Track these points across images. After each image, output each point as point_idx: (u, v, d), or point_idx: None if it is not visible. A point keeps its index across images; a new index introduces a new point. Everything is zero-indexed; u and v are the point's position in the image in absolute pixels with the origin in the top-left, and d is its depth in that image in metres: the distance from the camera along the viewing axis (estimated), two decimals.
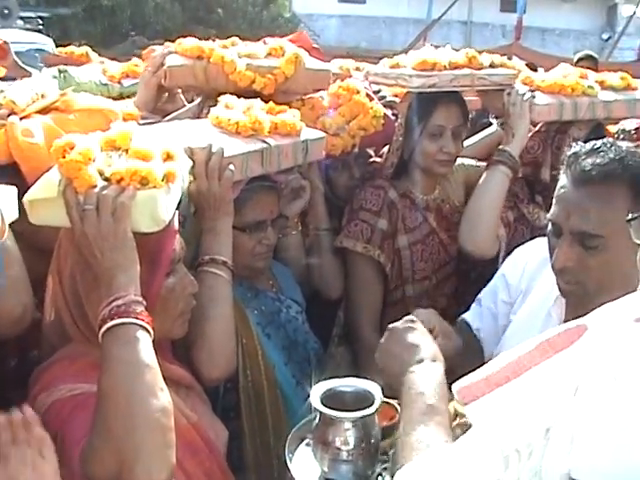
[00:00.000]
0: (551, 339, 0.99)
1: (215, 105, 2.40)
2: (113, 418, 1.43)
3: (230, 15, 21.18)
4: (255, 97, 2.47)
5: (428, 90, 2.73)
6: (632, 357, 0.86)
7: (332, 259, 2.86)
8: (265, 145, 2.19)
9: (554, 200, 1.85)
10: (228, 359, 2.07)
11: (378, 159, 3.12)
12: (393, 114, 3.02)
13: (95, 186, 1.56)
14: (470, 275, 3.00)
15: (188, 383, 1.90)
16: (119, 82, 3.30)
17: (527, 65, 3.70)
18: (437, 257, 2.99)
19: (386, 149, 3.06)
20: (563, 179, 1.83)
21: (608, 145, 1.80)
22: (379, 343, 1.74)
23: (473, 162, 3.22)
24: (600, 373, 0.86)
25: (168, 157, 1.71)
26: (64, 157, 1.56)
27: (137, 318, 1.50)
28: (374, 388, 1.68)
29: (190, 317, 1.96)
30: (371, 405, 1.63)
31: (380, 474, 1.71)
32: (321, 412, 1.62)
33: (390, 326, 1.78)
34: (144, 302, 1.54)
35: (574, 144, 1.90)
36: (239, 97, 2.42)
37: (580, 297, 1.81)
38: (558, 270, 1.82)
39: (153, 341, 1.54)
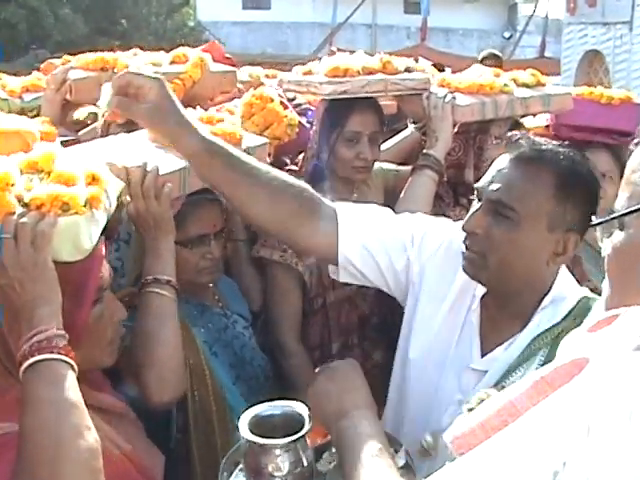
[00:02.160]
0: (547, 376, 0.93)
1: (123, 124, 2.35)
2: (37, 462, 1.34)
3: (134, 26, 20.96)
4: None
5: (340, 97, 2.70)
6: None
7: (251, 270, 2.83)
8: None
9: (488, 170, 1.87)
10: (178, 381, 2.02)
11: (294, 167, 3.08)
12: (308, 121, 2.98)
13: (13, 213, 1.47)
14: None
15: (120, 411, 1.82)
16: (20, 97, 3.17)
17: (434, 65, 3.71)
18: None
19: (301, 157, 3.02)
20: (501, 155, 1.85)
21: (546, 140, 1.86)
22: (314, 381, 1.69)
23: (392, 166, 3.22)
24: (613, 411, 0.81)
25: (93, 180, 1.61)
26: None
27: (60, 353, 1.42)
28: (303, 409, 1.62)
29: (136, 340, 1.93)
30: (301, 428, 1.57)
31: None
32: (249, 440, 1.55)
33: (325, 366, 1.74)
34: (67, 336, 1.46)
35: (496, 142, 1.92)
36: None
37: (480, 272, 1.81)
38: (466, 232, 1.82)
39: (80, 370, 1.47)
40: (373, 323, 2.95)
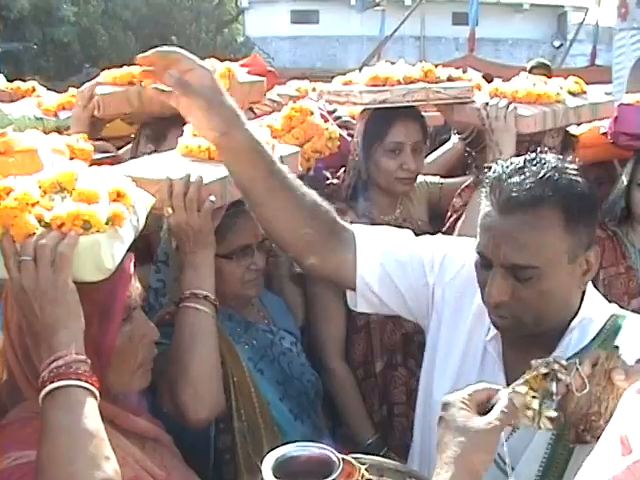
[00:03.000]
0: (619, 476, 0.85)
1: (151, 135, 2.39)
2: None
3: (184, 42, 21.17)
4: None
5: (380, 105, 2.67)
6: None
7: (292, 287, 2.79)
8: None
9: (479, 229, 1.70)
10: (214, 398, 1.99)
11: (335, 181, 3.04)
12: (349, 134, 2.94)
13: (33, 234, 1.44)
14: None
15: (154, 436, 1.77)
16: (55, 115, 3.17)
17: (483, 76, 3.65)
18: None
19: (342, 170, 2.98)
20: (486, 206, 1.67)
21: (533, 163, 1.65)
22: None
23: (436, 179, 3.16)
24: None
25: (118, 196, 1.57)
26: None
27: (79, 379, 1.38)
28: (332, 453, 1.53)
29: (172, 355, 1.90)
30: (330, 473, 1.47)
31: None
32: None
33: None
34: (88, 361, 1.42)
35: (501, 163, 1.76)
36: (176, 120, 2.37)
37: (518, 331, 1.70)
38: (492, 306, 1.68)
39: (112, 394, 1.46)
40: (417, 342, 2.88)
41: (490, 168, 2.60)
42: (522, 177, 1.61)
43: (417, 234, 2.87)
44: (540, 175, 1.60)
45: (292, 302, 2.76)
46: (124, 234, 1.55)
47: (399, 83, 2.69)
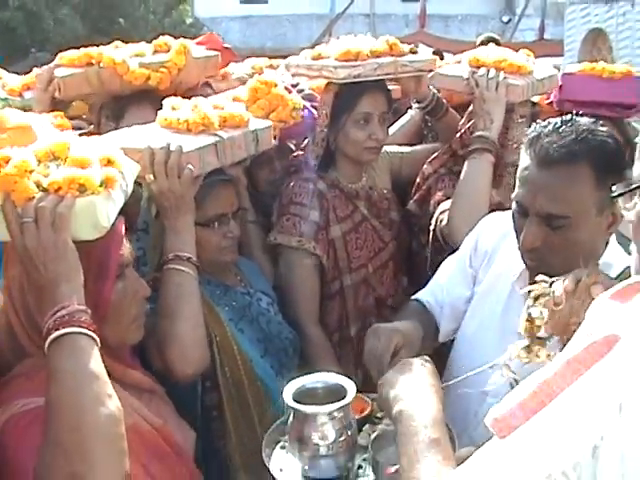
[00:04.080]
0: (579, 355, 0.95)
1: (111, 115, 2.53)
2: (61, 430, 1.41)
3: (132, 24, 20.90)
4: (150, 95, 2.62)
5: (353, 80, 2.73)
6: None
7: (262, 253, 2.87)
8: (218, 138, 2.23)
9: (518, 181, 1.88)
10: (201, 354, 2.10)
11: (300, 152, 3.11)
12: (312, 106, 3.00)
13: (33, 198, 1.53)
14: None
15: (149, 387, 1.89)
16: (20, 95, 3.19)
17: (434, 52, 3.73)
18: (371, 244, 3.00)
19: (307, 142, 3.05)
20: (525, 160, 1.85)
21: (569, 124, 1.82)
22: (389, 372, 1.63)
23: (396, 148, 3.25)
24: None
25: (108, 163, 1.69)
26: None
27: (81, 327, 1.48)
28: (345, 381, 1.68)
29: (159, 315, 2.01)
30: (344, 397, 1.63)
31: (360, 466, 1.72)
32: (295, 409, 1.61)
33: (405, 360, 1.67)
34: (89, 311, 1.53)
35: (521, 120, 1.90)
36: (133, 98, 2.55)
37: (546, 273, 1.79)
38: (526, 250, 1.86)
39: (109, 347, 1.56)
40: (390, 305, 2.99)
41: (484, 137, 2.77)
42: (559, 136, 1.79)
43: (382, 201, 2.99)
44: (574, 135, 1.78)
45: (263, 267, 2.84)
46: (116, 196, 1.65)
47: (368, 57, 2.77)
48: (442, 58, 3.75)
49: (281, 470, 1.71)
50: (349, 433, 1.64)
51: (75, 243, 1.55)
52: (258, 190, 3.07)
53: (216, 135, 2.23)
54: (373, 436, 1.74)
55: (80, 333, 1.48)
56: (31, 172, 1.57)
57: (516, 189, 1.88)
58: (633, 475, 0.83)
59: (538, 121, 1.90)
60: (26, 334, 1.66)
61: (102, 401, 1.45)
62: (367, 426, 1.85)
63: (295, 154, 3.10)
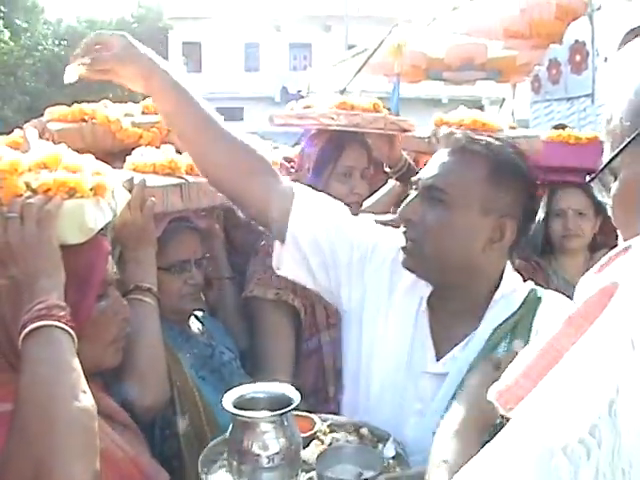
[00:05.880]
0: (581, 311, 0.89)
1: None
2: (30, 419, 1.34)
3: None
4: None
5: (352, 129, 2.75)
6: None
7: (237, 309, 2.79)
8: (183, 181, 2.25)
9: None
10: (160, 385, 2.03)
11: None
12: (291, 166, 3.02)
13: (21, 195, 1.53)
14: None
15: (123, 420, 1.78)
16: None
17: None
18: None
19: None
20: (440, 152, 1.90)
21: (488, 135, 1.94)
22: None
23: (378, 218, 3.22)
24: None
25: (99, 174, 1.70)
26: None
27: (59, 321, 1.43)
28: (290, 390, 1.59)
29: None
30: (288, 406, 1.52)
31: None
32: (236, 416, 1.51)
33: None
34: (67, 307, 1.48)
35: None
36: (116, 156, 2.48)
37: (421, 266, 1.84)
38: (402, 219, 1.86)
39: (84, 370, 1.46)
40: None
41: None
42: (475, 135, 1.88)
43: None
44: (489, 140, 1.84)
45: (238, 323, 2.76)
46: (104, 206, 1.65)
47: (364, 110, 2.82)
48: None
49: None
50: (292, 445, 1.51)
51: (60, 251, 1.53)
52: (237, 251, 3.00)
53: (182, 178, 2.27)
54: (318, 452, 1.64)
55: (58, 327, 1.43)
56: (21, 173, 1.56)
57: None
58: None
59: None
60: None
61: (76, 394, 1.38)
62: (312, 444, 1.74)
63: None
